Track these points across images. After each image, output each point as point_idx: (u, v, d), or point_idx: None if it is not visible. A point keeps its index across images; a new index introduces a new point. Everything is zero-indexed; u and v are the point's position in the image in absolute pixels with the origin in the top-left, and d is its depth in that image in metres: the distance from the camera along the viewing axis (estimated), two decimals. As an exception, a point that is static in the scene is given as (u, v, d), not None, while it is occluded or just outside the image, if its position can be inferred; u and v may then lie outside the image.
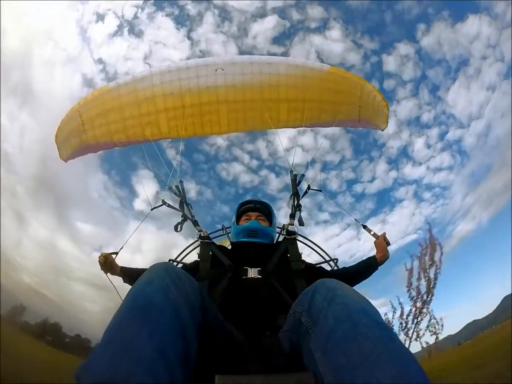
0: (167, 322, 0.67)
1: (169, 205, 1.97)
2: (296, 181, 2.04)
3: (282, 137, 2.36)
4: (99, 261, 1.65)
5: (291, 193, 2.00)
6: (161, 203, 1.98)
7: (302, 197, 2.01)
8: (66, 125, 2.36)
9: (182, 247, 2.24)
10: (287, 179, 2.07)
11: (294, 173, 2.05)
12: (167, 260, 2.07)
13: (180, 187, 1.98)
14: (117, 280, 1.74)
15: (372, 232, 1.86)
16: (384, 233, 1.78)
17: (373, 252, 1.77)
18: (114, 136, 2.24)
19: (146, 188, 2.12)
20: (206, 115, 2.21)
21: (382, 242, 1.74)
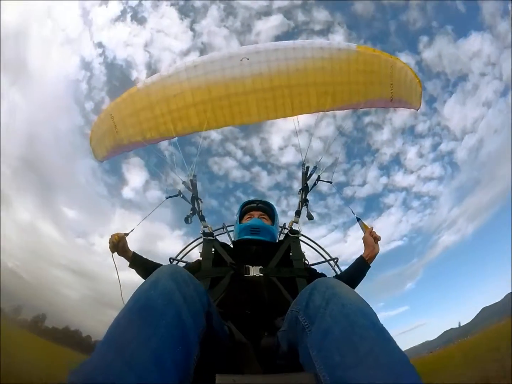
0: (167, 326, 0.66)
1: (183, 197, 2.03)
2: (307, 175, 2.02)
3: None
4: (112, 241, 1.64)
5: (300, 187, 1.98)
6: (176, 194, 2.05)
7: (311, 189, 1.99)
8: (99, 127, 2.43)
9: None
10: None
11: (306, 165, 2.04)
12: (168, 259, 2.12)
13: (193, 182, 2.04)
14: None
15: (362, 227, 1.79)
16: (371, 228, 1.72)
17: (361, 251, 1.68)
18: (146, 134, 2.29)
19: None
20: (235, 106, 2.21)
21: (368, 237, 1.68)
